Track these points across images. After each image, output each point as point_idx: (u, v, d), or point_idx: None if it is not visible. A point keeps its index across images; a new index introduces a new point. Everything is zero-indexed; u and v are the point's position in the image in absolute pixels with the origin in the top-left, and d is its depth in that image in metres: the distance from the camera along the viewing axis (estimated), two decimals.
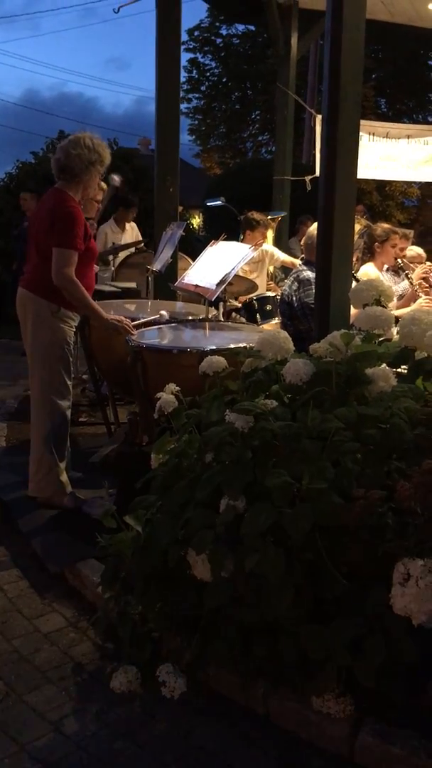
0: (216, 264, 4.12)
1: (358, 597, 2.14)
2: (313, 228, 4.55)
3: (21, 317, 3.79)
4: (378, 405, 2.32)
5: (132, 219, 6.98)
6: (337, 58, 3.37)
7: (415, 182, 19.18)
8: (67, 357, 3.77)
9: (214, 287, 3.94)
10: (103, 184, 5.47)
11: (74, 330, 3.84)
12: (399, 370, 2.60)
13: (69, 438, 3.91)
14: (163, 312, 4.19)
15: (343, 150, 3.47)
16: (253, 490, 2.26)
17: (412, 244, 7.36)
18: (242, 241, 6.07)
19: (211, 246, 4.40)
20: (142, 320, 4.09)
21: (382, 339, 2.68)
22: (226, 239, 4.42)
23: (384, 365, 2.49)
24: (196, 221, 19.35)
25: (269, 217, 6.95)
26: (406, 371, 2.60)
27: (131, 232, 6.96)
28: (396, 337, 2.72)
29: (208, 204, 7.54)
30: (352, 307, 3.60)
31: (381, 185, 19.25)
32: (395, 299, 5.08)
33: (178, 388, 2.85)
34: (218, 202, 6.84)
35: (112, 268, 6.36)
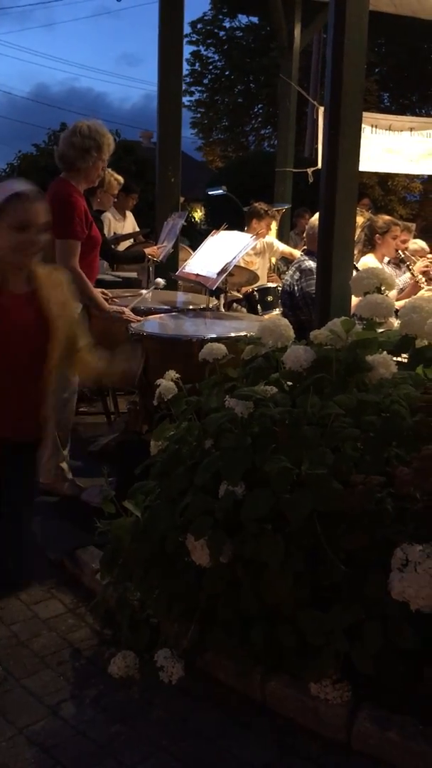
0: (217, 253, 4.12)
1: (357, 583, 2.14)
2: (315, 218, 4.53)
3: None
4: (378, 392, 2.31)
5: (132, 206, 6.96)
6: (340, 47, 3.36)
7: (417, 176, 19.16)
8: None
9: (215, 276, 3.94)
10: (120, 178, 5.47)
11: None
12: (399, 358, 2.60)
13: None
14: (159, 279, 4.26)
15: (345, 139, 3.46)
16: (252, 476, 2.26)
17: (415, 237, 7.35)
18: (247, 230, 6.06)
19: (212, 235, 4.39)
20: (134, 304, 4.10)
21: (382, 330, 2.68)
22: (227, 229, 4.42)
23: (384, 353, 2.49)
24: (198, 214, 19.31)
25: (274, 208, 6.94)
26: (406, 359, 2.59)
27: (130, 221, 6.94)
28: (396, 326, 2.71)
29: (210, 193, 7.53)
30: (352, 297, 3.60)
31: (383, 180, 19.20)
32: (395, 291, 5.07)
33: (177, 375, 2.84)
34: (220, 191, 6.83)
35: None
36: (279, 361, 2.55)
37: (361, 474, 2.10)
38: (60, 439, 3.78)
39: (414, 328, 2.51)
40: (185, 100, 23.82)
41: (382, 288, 2.72)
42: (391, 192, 20.26)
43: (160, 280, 4.35)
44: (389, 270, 5.51)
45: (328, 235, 3.55)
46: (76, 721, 2.30)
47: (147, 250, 5.17)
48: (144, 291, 4.53)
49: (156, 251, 5.14)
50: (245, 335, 3.18)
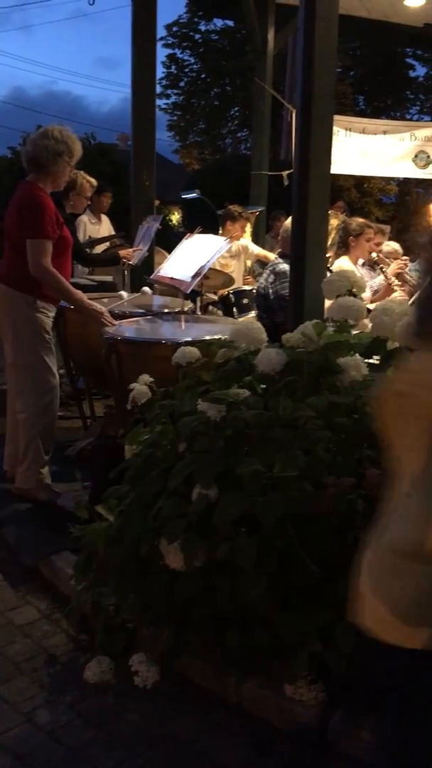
0: (191, 256, 4.12)
1: (330, 584, 2.15)
2: (290, 221, 4.55)
3: None
4: (349, 394, 2.33)
5: (107, 206, 6.94)
6: (311, 50, 3.37)
7: (393, 179, 19.34)
8: (50, 345, 3.76)
9: (189, 279, 3.94)
10: (93, 181, 5.45)
11: (52, 320, 3.82)
12: (371, 360, 2.62)
13: None
14: (123, 292, 4.25)
15: (317, 142, 3.47)
16: (225, 479, 2.26)
17: (389, 239, 7.41)
18: (222, 233, 6.07)
19: (186, 238, 4.39)
20: (110, 308, 4.09)
21: (356, 332, 2.70)
22: (201, 232, 4.42)
23: (356, 355, 2.50)
24: (176, 217, 19.31)
25: (249, 211, 6.97)
26: (378, 361, 2.61)
27: (106, 224, 6.93)
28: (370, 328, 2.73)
29: (183, 197, 7.54)
30: (326, 299, 3.62)
31: (359, 182, 19.34)
32: (369, 292, 5.10)
33: (151, 379, 2.84)
34: (193, 195, 6.85)
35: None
36: (252, 364, 2.56)
37: (333, 476, 2.11)
38: (42, 445, 3.76)
39: (385, 330, 2.53)
40: (161, 103, 23.85)
41: (354, 290, 2.74)
42: (367, 194, 20.41)
43: (147, 289, 4.36)
44: (363, 272, 5.55)
45: (300, 238, 3.56)
46: (51, 728, 2.29)
47: (122, 253, 5.16)
48: (124, 294, 4.52)
49: (130, 254, 5.13)
50: (219, 338, 3.19)
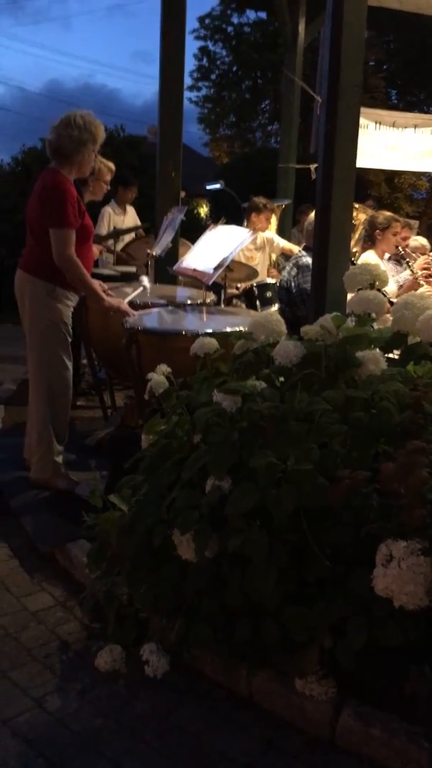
0: (214, 248, 4.10)
1: (342, 579, 2.12)
2: (314, 214, 4.51)
3: (19, 298, 3.79)
4: (366, 388, 2.30)
5: (132, 199, 6.94)
6: (338, 41, 3.33)
7: (424, 174, 19.09)
8: (66, 337, 3.76)
9: (211, 271, 3.92)
10: (111, 165, 5.44)
11: (72, 310, 3.82)
12: (391, 355, 2.58)
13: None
14: (143, 277, 4.26)
15: (341, 135, 3.43)
16: (239, 471, 2.25)
17: (418, 234, 7.33)
18: (246, 225, 6.05)
19: (210, 230, 4.38)
20: (130, 298, 4.09)
21: (379, 327, 2.66)
22: (225, 223, 4.40)
23: (376, 349, 2.47)
24: (203, 210, 19.27)
25: (275, 204, 6.94)
26: (398, 356, 2.58)
27: (132, 215, 6.93)
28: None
29: (208, 188, 7.54)
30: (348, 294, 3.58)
31: (390, 177, 19.15)
32: (395, 287, 5.05)
33: (169, 369, 2.84)
34: (217, 186, 6.83)
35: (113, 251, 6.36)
36: (270, 356, 2.54)
37: (348, 470, 2.08)
38: (56, 434, 3.78)
39: (406, 324, 2.50)
40: (192, 95, 23.79)
41: (376, 284, 2.71)
42: (397, 189, 20.22)
43: (144, 278, 4.36)
44: (390, 266, 5.50)
45: (324, 231, 3.53)
46: (61, 714, 2.29)
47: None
48: (145, 278, 4.52)
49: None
50: (240, 330, 3.17)
